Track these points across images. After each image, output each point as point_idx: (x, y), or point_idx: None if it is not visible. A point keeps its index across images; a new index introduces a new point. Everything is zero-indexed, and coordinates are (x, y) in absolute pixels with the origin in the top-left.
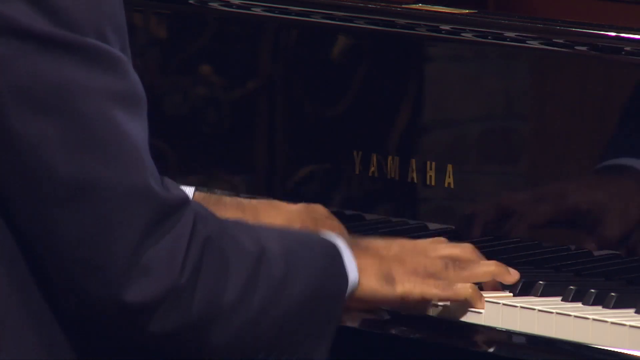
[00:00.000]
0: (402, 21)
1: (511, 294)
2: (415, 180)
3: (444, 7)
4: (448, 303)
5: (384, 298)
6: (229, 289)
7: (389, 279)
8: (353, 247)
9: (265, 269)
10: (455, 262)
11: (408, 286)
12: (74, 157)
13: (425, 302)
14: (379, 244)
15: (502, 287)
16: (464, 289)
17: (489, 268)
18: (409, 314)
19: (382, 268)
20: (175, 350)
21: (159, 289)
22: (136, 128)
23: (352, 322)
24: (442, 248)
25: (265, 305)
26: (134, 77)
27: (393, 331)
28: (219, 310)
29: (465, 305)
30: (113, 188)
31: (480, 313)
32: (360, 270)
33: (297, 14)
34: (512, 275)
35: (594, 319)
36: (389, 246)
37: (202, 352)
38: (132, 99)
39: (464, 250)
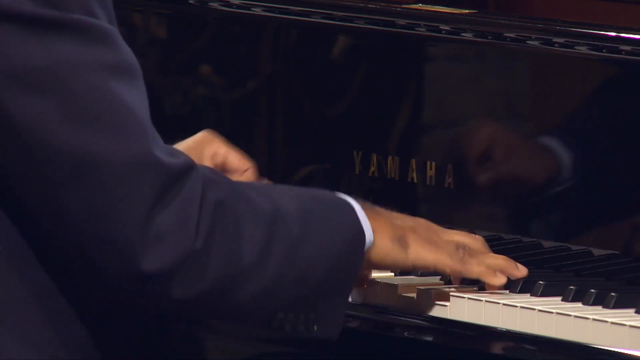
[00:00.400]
0: (402, 21)
1: (511, 294)
2: (415, 180)
3: (444, 7)
4: (454, 291)
5: (396, 261)
6: (245, 249)
7: (403, 243)
8: (366, 209)
9: (280, 228)
10: (466, 248)
11: (422, 252)
12: (73, 133)
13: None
14: (392, 213)
15: (502, 286)
16: (477, 265)
17: (498, 261)
18: (410, 312)
19: (396, 232)
20: (196, 316)
21: (175, 255)
22: (134, 97)
23: (353, 323)
24: (455, 234)
25: (283, 263)
26: (126, 48)
27: (393, 331)
28: (238, 272)
29: (465, 304)
30: (115, 160)
31: (480, 309)
32: (374, 230)
33: (297, 14)
34: (520, 271)
35: (594, 319)
36: (402, 217)
37: (224, 314)
38: (126, 69)
39: (475, 240)
